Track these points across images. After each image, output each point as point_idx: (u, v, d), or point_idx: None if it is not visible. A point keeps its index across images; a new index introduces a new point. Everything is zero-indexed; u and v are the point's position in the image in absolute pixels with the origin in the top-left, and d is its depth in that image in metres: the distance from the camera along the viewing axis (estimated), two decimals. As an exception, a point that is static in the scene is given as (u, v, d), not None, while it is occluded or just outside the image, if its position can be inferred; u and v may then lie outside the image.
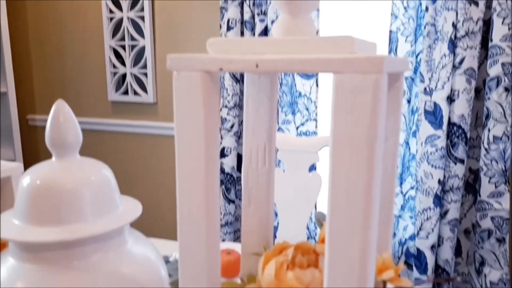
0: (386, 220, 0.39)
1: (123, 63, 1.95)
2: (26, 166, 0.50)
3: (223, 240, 1.73)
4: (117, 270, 0.42)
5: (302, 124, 1.61)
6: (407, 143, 1.54)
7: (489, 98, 1.33)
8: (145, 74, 1.91)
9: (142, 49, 1.89)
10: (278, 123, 1.64)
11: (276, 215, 1.67)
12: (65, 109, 0.41)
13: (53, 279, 0.39)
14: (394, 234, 1.62)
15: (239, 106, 1.66)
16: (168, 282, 0.50)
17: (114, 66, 1.96)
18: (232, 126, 1.66)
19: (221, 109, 1.66)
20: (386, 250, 0.37)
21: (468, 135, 1.40)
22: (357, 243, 0.28)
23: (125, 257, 0.44)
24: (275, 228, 1.50)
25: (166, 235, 1.82)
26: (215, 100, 0.32)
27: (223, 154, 1.69)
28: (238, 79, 1.63)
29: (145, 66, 1.90)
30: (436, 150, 1.39)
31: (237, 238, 1.80)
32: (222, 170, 1.72)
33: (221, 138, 1.68)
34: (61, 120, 0.41)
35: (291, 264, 0.35)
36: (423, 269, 1.51)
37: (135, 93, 1.95)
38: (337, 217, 0.28)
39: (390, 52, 1.48)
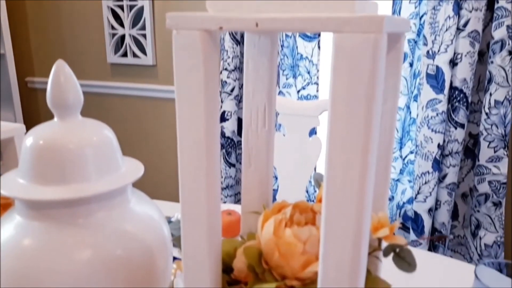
0: (382, 180, 0.40)
1: (121, 24, 1.92)
2: (27, 129, 0.50)
3: (224, 203, 1.76)
4: (121, 228, 0.43)
5: (303, 88, 1.60)
6: (408, 107, 1.53)
7: (492, 62, 1.32)
8: (144, 36, 1.88)
9: (141, 10, 1.85)
10: (279, 86, 1.63)
11: (276, 178, 1.69)
12: (65, 69, 0.41)
13: (59, 236, 0.41)
14: (392, 198, 1.65)
15: (240, 69, 1.64)
16: (170, 240, 0.51)
17: (113, 28, 1.93)
18: (232, 90, 1.65)
19: (221, 72, 1.65)
20: (382, 210, 0.38)
21: (470, 100, 1.39)
22: (354, 201, 0.29)
23: (128, 216, 0.45)
24: (275, 192, 1.52)
25: (168, 197, 1.85)
26: (215, 60, 0.32)
27: (223, 118, 1.69)
28: (239, 40, 1.61)
29: (144, 28, 1.87)
30: (437, 115, 1.39)
31: (237, 201, 1.83)
32: (223, 134, 1.72)
33: (221, 101, 1.67)
34: (62, 80, 0.41)
35: (289, 222, 0.36)
36: (419, 232, 1.54)
37: (134, 55, 1.93)
38: (334, 175, 0.28)
39: (393, 13, 1.45)
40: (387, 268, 0.41)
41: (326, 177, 0.29)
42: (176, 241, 0.39)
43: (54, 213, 0.41)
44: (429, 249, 1.59)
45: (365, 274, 0.31)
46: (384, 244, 0.37)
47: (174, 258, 0.69)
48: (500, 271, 0.53)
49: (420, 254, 0.83)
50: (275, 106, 0.42)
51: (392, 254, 0.34)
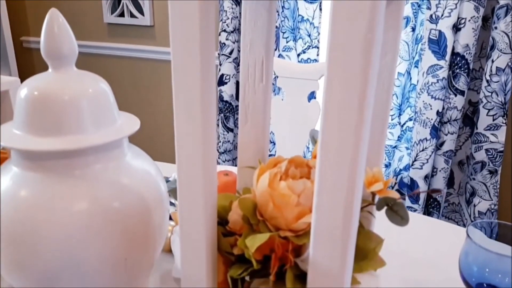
0: (378, 136, 0.40)
1: (119, -17, 1.87)
2: (23, 82, 0.49)
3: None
4: (117, 181, 0.43)
5: (304, 52, 1.58)
6: (408, 73, 1.52)
7: (496, 28, 1.30)
8: (142, -5, 1.84)
9: (139, -32, 1.80)
10: (278, 49, 1.60)
11: (274, 144, 1.69)
12: (59, 19, 0.40)
13: (55, 186, 0.41)
14: (389, 164, 1.65)
15: (239, 30, 1.61)
16: (167, 196, 0.52)
17: (110, -14, 1.89)
18: (231, 52, 1.63)
19: (219, 34, 1.62)
20: (377, 166, 0.39)
21: (471, 66, 1.38)
22: (348, 153, 0.29)
23: (125, 169, 0.45)
24: (272, 156, 1.52)
25: (165, 158, 1.85)
26: (212, 20, 0.31)
27: (221, 81, 1.68)
28: (238, 1, 1.57)
29: (142, -13, 1.83)
30: (437, 81, 1.38)
31: (235, 166, 1.84)
32: (221, 98, 1.71)
33: (220, 64, 1.65)
34: (55, 30, 0.40)
35: (284, 175, 0.36)
36: (415, 199, 1.56)
37: (132, 15, 1.89)
38: (330, 125, 0.28)
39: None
40: (381, 231, 0.41)
41: (321, 128, 0.29)
42: (172, 193, 0.39)
43: (50, 164, 0.41)
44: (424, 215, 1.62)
45: (357, 226, 0.31)
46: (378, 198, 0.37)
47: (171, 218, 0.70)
48: (492, 231, 0.54)
49: (414, 216, 0.85)
50: (273, 61, 0.41)
51: (385, 208, 0.34)
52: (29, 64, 2.21)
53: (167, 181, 0.85)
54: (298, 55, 1.59)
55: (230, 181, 0.81)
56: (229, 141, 1.78)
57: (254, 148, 0.43)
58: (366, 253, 0.37)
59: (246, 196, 0.37)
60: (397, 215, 0.34)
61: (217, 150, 1.81)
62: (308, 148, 1.66)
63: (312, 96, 1.48)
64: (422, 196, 1.55)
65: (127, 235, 0.43)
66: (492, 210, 1.52)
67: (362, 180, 0.30)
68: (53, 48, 0.40)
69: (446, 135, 1.46)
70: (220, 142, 1.79)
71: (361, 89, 0.27)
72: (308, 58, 1.58)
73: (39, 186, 0.41)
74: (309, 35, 1.55)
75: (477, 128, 1.43)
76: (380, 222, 0.40)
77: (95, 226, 0.41)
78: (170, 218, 0.70)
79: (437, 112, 1.42)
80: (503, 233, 0.52)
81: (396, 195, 0.34)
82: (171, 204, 0.70)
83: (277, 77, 1.29)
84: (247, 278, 0.38)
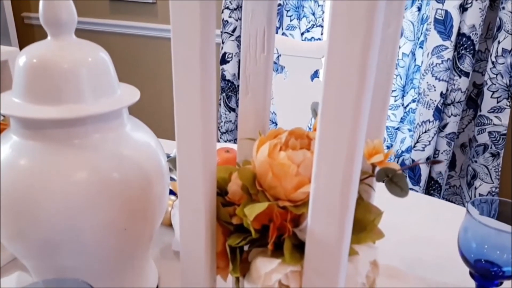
0: (380, 108, 0.39)
1: (121, -41, 1.84)
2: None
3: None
4: (117, 151, 0.43)
5: (307, 31, 1.56)
6: (413, 54, 1.50)
7: (503, 8, 1.27)
8: (145, -28, 1.81)
9: None
10: (282, 28, 1.59)
11: (276, 124, 1.69)
12: (57, -15, 0.40)
13: (55, 155, 0.41)
14: (391, 146, 1.65)
15: (242, 7, 1.59)
16: (167, 169, 0.51)
17: (112, -38, 1.86)
18: (234, 30, 1.61)
19: (222, 11, 1.60)
20: (379, 138, 0.38)
21: (477, 48, 1.36)
22: (348, 122, 0.29)
23: (125, 140, 0.45)
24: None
25: (166, 135, 1.86)
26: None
27: (224, 60, 1.66)
28: (242, -21, 1.55)
29: (144, -37, 1.80)
30: (442, 62, 1.37)
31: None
32: (223, 77, 1.70)
33: (222, 42, 1.64)
34: (54, -4, 0.39)
35: (284, 146, 0.36)
36: (416, 180, 1.56)
37: (134, -8, 1.86)
38: (331, 93, 0.28)
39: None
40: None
41: (322, 96, 0.28)
42: (171, 162, 0.39)
43: (49, 133, 0.41)
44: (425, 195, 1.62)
45: (356, 196, 0.31)
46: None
47: (171, 192, 0.70)
48: (492, 209, 0.54)
49: (415, 195, 0.85)
50: (275, 31, 0.40)
51: (385, 180, 0.34)
52: (30, 40, 2.19)
53: (168, 157, 0.85)
54: (302, 33, 1.57)
55: (231, 158, 0.81)
56: (230, 121, 1.77)
57: (254, 120, 0.43)
58: (365, 225, 0.37)
59: (245, 167, 0.37)
60: (397, 186, 0.33)
61: (219, 129, 1.81)
62: (310, 128, 1.66)
63: (315, 75, 1.47)
64: (424, 178, 1.55)
65: (127, 205, 0.43)
66: (493, 193, 1.52)
67: (361, 149, 0.30)
68: (52, 14, 0.40)
69: (449, 117, 1.45)
70: (222, 122, 1.78)
71: (362, 57, 0.26)
72: (312, 37, 1.56)
73: (38, 155, 0.41)
74: (313, 14, 1.53)
75: (480, 111, 1.42)
76: (379, 200, 0.40)
77: (95, 195, 0.41)
78: (171, 192, 0.70)
79: (441, 94, 1.41)
80: (503, 211, 0.52)
81: (396, 166, 0.34)
82: (172, 179, 0.70)
83: (280, 55, 1.27)
84: (245, 248, 0.38)
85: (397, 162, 1.64)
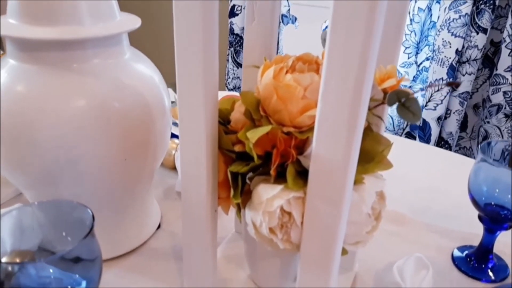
0: (395, 35, 0.37)
1: None
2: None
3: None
4: (117, 78, 0.42)
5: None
6: (429, 9, 1.44)
7: (528, -41, 1.20)
8: None
9: None
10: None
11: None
12: None
13: (53, 80, 0.39)
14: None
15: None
16: (170, 105, 0.50)
17: None
18: (244, -18, 1.55)
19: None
20: (392, 64, 0.36)
21: (497, 2, 1.30)
22: (358, 41, 0.26)
23: (124, 68, 0.43)
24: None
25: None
26: None
27: (233, 12, 1.62)
28: None
29: None
30: (460, 17, 1.31)
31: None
32: (232, 31, 1.66)
33: (232, -7, 1.58)
34: None
35: (290, 69, 0.34)
36: (426, 140, 1.53)
37: None
38: (341, 11, 0.26)
39: None
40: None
41: (331, 14, 0.26)
42: (172, 86, 0.37)
43: (46, 55, 0.39)
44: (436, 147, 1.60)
45: (364, 121, 0.29)
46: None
47: (173, 135, 0.69)
48: (503, 157, 0.53)
49: (425, 147, 0.83)
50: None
51: (397, 105, 0.32)
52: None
53: (172, 102, 0.83)
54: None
55: (237, 104, 0.79)
56: (238, 77, 1.74)
57: (260, 48, 0.41)
58: (373, 155, 0.35)
59: (249, 91, 0.35)
60: (409, 111, 0.32)
61: (226, 86, 1.78)
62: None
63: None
64: (434, 138, 1.52)
65: (127, 136, 0.42)
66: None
67: (373, 68, 0.28)
68: None
69: (464, 75, 1.41)
70: (229, 78, 1.75)
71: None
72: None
73: (35, 78, 0.39)
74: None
75: (496, 69, 1.37)
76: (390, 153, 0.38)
77: (93, 122, 0.40)
78: (176, 136, 0.69)
79: (456, 51, 1.36)
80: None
81: (409, 91, 0.32)
82: (174, 123, 0.69)
83: (290, 9, 1.23)
84: (247, 180, 0.36)
85: (407, 123, 1.61)
